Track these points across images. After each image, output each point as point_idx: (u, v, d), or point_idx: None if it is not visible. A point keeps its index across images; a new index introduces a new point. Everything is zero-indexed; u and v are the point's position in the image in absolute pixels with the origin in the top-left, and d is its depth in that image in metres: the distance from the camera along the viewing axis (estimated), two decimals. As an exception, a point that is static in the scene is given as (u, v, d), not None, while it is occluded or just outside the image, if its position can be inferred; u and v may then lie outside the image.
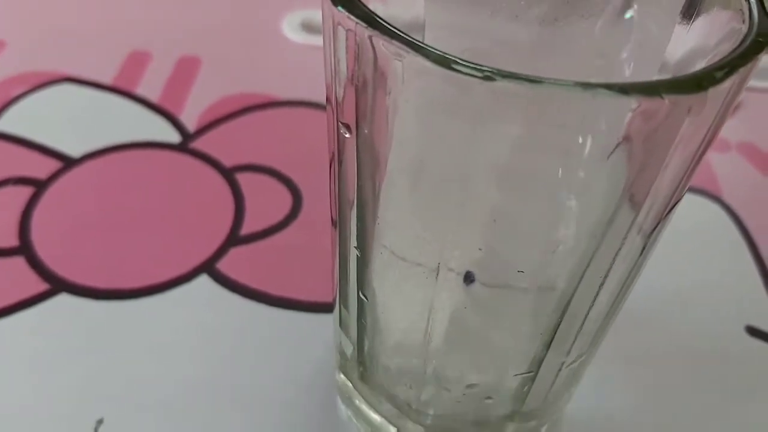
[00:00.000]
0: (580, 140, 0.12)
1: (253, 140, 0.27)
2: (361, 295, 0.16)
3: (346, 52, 0.12)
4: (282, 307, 0.22)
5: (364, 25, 0.11)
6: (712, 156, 0.28)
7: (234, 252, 0.23)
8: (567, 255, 0.14)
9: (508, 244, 0.14)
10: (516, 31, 0.15)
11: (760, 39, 0.11)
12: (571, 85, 0.10)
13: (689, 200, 0.26)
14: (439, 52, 0.11)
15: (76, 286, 0.22)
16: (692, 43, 0.14)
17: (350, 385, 0.19)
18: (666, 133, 0.11)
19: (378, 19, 0.11)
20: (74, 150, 0.26)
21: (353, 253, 0.15)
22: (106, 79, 0.29)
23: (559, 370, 0.16)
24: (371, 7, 0.12)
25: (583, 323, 0.15)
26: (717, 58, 0.11)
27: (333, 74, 0.13)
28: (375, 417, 0.18)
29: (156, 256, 0.23)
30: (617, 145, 0.11)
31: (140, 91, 0.29)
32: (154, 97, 0.29)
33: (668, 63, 0.14)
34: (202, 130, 0.27)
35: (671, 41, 0.14)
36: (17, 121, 0.27)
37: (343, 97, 0.13)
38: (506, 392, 0.17)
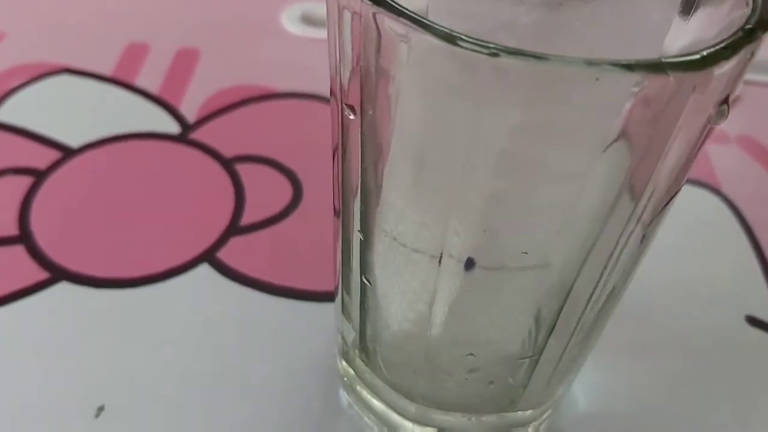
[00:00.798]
0: (584, 122, 0.12)
1: (252, 131, 0.27)
2: (364, 280, 0.16)
3: (351, 36, 0.12)
4: (282, 296, 0.22)
5: (370, 3, 0.11)
6: (711, 149, 0.28)
7: (234, 241, 0.23)
8: (569, 238, 0.14)
9: (510, 227, 0.14)
10: (520, 16, 0.15)
11: (766, 18, 0.11)
12: (575, 62, 0.10)
13: (689, 192, 0.26)
14: (445, 29, 0.11)
15: (76, 275, 0.22)
16: (691, 36, 0.14)
17: (352, 371, 0.19)
18: (671, 111, 0.11)
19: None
20: (74, 140, 0.26)
21: (356, 237, 0.15)
22: (106, 70, 0.29)
23: (561, 355, 0.16)
24: None
25: (585, 309, 0.15)
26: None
27: (338, 60, 0.13)
28: (377, 403, 0.18)
29: (156, 246, 0.23)
30: (622, 127, 0.12)
31: (140, 82, 0.29)
32: (153, 88, 0.29)
33: (667, 54, 0.14)
34: (201, 121, 0.27)
35: (669, 35, 0.14)
36: (17, 111, 0.27)
37: (349, 80, 0.13)
38: (508, 377, 0.17)
